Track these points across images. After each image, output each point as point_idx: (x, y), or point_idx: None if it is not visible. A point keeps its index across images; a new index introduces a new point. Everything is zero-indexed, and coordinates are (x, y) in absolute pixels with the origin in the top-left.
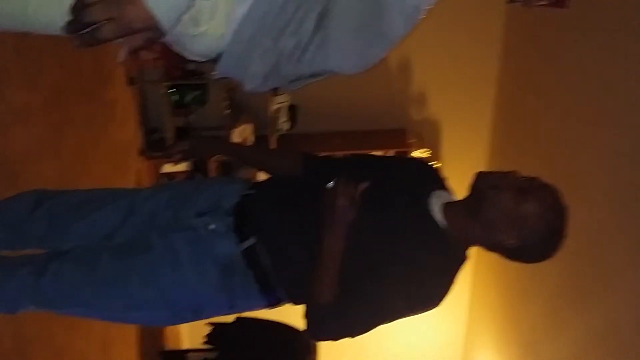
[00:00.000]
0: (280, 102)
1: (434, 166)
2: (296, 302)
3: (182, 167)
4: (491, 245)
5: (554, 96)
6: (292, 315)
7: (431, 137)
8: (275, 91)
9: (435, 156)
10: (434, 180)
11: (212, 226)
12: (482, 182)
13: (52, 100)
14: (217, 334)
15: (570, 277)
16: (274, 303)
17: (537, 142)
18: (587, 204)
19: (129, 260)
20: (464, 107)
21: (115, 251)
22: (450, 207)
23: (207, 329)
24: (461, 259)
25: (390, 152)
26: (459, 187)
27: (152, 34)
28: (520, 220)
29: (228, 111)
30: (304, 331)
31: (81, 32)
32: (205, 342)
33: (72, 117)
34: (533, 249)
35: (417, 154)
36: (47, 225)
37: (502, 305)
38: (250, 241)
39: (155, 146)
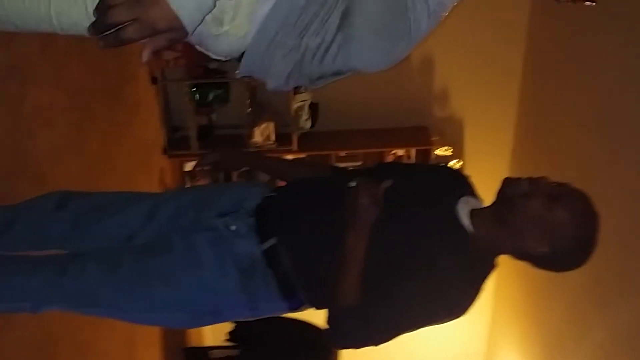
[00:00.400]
0: (301, 101)
1: (464, 173)
2: (317, 307)
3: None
4: (521, 254)
5: (578, 94)
6: (316, 314)
7: (454, 135)
8: (297, 89)
9: (457, 154)
10: (463, 186)
11: (233, 227)
12: (511, 189)
13: (77, 100)
14: (240, 331)
15: (594, 280)
16: (295, 307)
17: (561, 141)
18: (611, 205)
19: (150, 260)
20: (487, 105)
21: (136, 252)
22: (479, 213)
23: (230, 327)
24: (489, 267)
25: (412, 150)
26: (481, 185)
27: (176, 34)
28: (551, 227)
29: (250, 110)
30: (325, 337)
31: (105, 33)
32: (228, 340)
33: (96, 116)
34: (564, 257)
35: (439, 152)
36: (70, 225)
37: (525, 307)
38: (271, 241)
39: (178, 145)
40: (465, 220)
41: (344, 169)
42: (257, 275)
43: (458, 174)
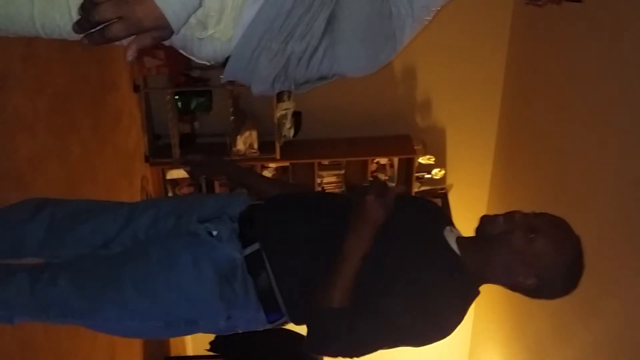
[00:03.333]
0: (284, 109)
1: (440, 206)
2: (296, 320)
3: (187, 173)
4: (512, 287)
5: (560, 102)
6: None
7: (436, 144)
8: (279, 98)
9: (440, 163)
10: (444, 217)
11: (215, 232)
12: (489, 228)
13: (58, 107)
14: (222, 340)
15: None
16: (273, 320)
17: (543, 149)
18: (591, 211)
19: (123, 267)
20: (469, 114)
21: (110, 259)
22: (465, 242)
23: (212, 336)
24: (475, 293)
25: (395, 159)
26: (464, 195)
27: (162, 33)
28: (535, 259)
29: (232, 118)
30: (306, 343)
31: (90, 31)
32: (210, 349)
33: (78, 124)
34: (552, 285)
35: (422, 160)
36: (44, 233)
37: (507, 313)
38: (255, 247)
39: (160, 152)
40: (454, 245)
41: (327, 192)
42: (237, 281)
43: (436, 205)
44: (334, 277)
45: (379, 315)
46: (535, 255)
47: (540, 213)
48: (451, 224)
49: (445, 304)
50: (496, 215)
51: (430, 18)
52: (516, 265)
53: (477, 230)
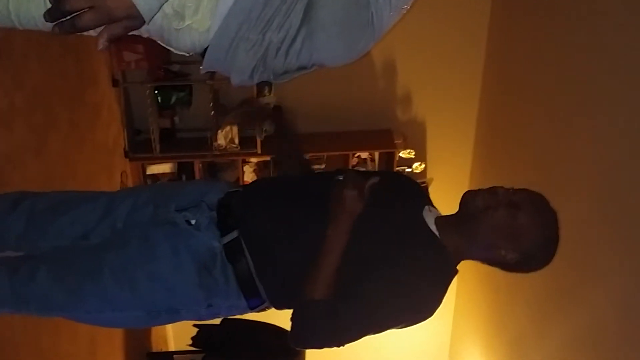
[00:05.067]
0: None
1: (420, 184)
2: (278, 306)
3: (167, 168)
4: (492, 262)
5: (538, 95)
6: (279, 316)
7: (416, 138)
8: (261, 89)
9: (420, 157)
10: (423, 196)
11: (193, 220)
12: (472, 204)
13: (36, 102)
14: (203, 335)
15: (555, 279)
16: (254, 305)
17: (522, 141)
18: (571, 204)
19: (102, 257)
20: (448, 108)
21: (90, 251)
22: (444, 222)
23: (194, 331)
24: (453, 272)
25: (376, 153)
26: (444, 187)
27: (133, 22)
28: (518, 234)
29: (213, 112)
30: (290, 336)
31: (61, 20)
32: (192, 344)
33: (56, 119)
34: (533, 258)
35: (402, 154)
36: (25, 223)
37: (488, 307)
38: (233, 234)
39: (140, 148)
40: (433, 226)
41: (308, 176)
42: (216, 270)
43: (416, 183)
44: (316, 270)
45: (361, 301)
46: (518, 230)
47: (520, 189)
48: (430, 203)
49: (426, 286)
50: (479, 190)
51: (409, 7)
52: (499, 241)
53: (461, 205)
